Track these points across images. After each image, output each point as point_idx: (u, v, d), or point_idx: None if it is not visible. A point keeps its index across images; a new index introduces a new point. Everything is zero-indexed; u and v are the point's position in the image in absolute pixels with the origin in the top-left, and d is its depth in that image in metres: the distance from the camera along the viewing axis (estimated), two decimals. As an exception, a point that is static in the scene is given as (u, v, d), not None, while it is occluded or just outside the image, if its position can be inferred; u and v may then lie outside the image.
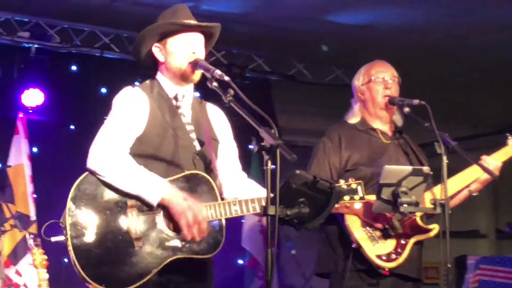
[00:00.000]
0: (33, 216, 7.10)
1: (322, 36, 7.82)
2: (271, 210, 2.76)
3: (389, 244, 4.08)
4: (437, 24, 7.39)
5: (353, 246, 4.02)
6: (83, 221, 2.99)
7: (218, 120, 3.49)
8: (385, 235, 4.06)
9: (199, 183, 3.15)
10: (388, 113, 4.36)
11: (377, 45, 7.43)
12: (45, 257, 5.57)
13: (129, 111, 3.17)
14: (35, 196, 7.26)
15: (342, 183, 3.45)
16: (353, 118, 4.42)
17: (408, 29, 7.50)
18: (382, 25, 7.49)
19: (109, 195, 3.04)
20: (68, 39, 7.78)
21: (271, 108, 8.46)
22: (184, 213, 2.99)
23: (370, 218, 4.03)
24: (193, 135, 3.30)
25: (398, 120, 4.42)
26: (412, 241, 4.10)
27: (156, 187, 3.02)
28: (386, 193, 3.80)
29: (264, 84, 8.83)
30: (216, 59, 8.12)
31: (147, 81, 3.37)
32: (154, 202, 3.02)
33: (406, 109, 4.15)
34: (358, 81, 4.42)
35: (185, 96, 3.37)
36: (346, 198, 3.42)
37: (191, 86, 3.42)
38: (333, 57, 8.41)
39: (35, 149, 7.64)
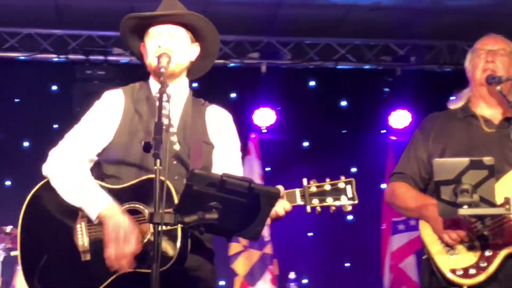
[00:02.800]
0: (267, 236, 7.05)
1: None
2: (157, 218, 2.43)
3: (470, 257, 3.39)
4: None
5: (423, 257, 3.51)
6: (34, 231, 2.89)
7: (217, 124, 3.18)
8: (469, 246, 3.38)
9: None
10: (492, 93, 3.65)
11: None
12: None
13: (96, 119, 3.03)
14: (269, 216, 7.20)
15: (312, 182, 2.82)
16: (457, 103, 3.79)
17: None
18: None
19: (63, 203, 2.90)
20: (299, 55, 7.69)
21: None
22: (110, 243, 2.74)
23: (444, 226, 3.38)
24: (174, 138, 3.02)
25: None
26: (503, 253, 3.35)
27: (97, 201, 2.82)
28: (446, 193, 3.09)
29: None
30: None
31: (138, 82, 3.15)
32: (93, 216, 2.82)
33: (498, 87, 3.53)
34: (467, 59, 3.79)
35: (171, 96, 3.00)
36: (329, 200, 2.77)
37: (181, 84, 3.14)
38: None
39: (268, 168, 7.61)
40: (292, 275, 6.63)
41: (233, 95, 8.04)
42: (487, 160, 3.09)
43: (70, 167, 2.94)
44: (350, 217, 7.72)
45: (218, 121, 3.18)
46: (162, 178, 2.73)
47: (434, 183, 3.12)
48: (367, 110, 7.79)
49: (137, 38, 3.14)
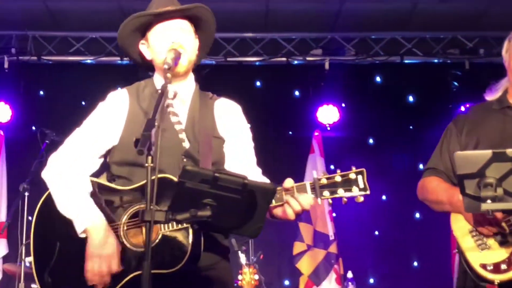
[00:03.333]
0: (331, 235, 6.96)
1: None
2: (148, 216, 2.37)
3: (502, 252, 3.27)
4: None
5: (453, 251, 3.29)
6: (45, 235, 2.91)
7: (226, 117, 3.08)
8: (501, 241, 3.27)
9: (166, 188, 2.72)
10: None
11: None
12: (256, 277, 5.39)
13: (98, 121, 2.98)
14: (334, 215, 7.12)
15: (322, 175, 2.72)
16: (494, 95, 3.63)
17: None
18: None
19: None
20: (364, 50, 7.57)
21: None
22: (92, 258, 2.75)
23: (474, 220, 3.30)
24: (182, 135, 2.96)
25: None
26: None
27: (85, 216, 2.80)
28: (470, 187, 2.92)
29: None
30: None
31: (143, 81, 3.07)
32: (78, 230, 2.83)
33: None
34: (503, 48, 3.60)
35: (178, 93, 2.99)
36: (340, 192, 2.67)
37: (187, 81, 3.06)
38: None
39: (332, 166, 7.51)
40: (349, 274, 6.53)
41: (296, 93, 7.98)
42: (510, 151, 2.91)
43: (65, 177, 2.92)
44: (417, 215, 7.54)
45: (227, 114, 3.09)
46: (173, 177, 2.74)
47: (457, 176, 2.98)
48: (435, 105, 7.58)
49: (137, 36, 3.07)
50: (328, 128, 7.53)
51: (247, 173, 2.75)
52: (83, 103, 7.61)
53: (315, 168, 7.16)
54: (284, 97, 7.81)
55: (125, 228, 2.83)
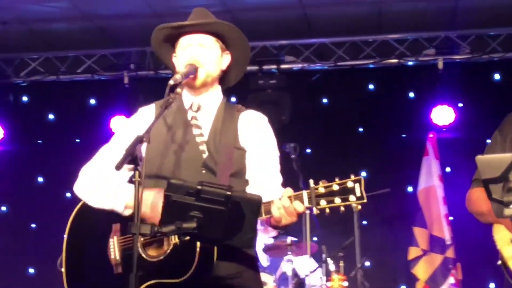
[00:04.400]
0: (448, 240, 6.77)
1: None
2: (134, 229, 2.46)
3: None
4: None
5: (498, 263, 3.33)
6: (76, 244, 3.03)
7: (249, 128, 3.09)
8: None
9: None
10: None
11: None
12: (345, 284, 5.39)
13: (125, 136, 3.03)
14: (451, 218, 6.92)
15: (321, 183, 2.67)
16: None
17: None
18: None
19: (100, 218, 3.00)
20: (480, 48, 7.35)
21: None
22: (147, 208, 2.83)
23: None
24: (203, 147, 3.01)
25: None
26: None
27: (122, 194, 2.92)
28: (496, 192, 2.77)
29: None
30: None
31: (172, 94, 3.01)
32: (120, 210, 2.93)
33: None
34: None
35: (202, 106, 3.07)
36: (337, 200, 2.62)
37: (213, 93, 3.12)
38: None
39: (448, 169, 7.31)
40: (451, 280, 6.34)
41: (411, 94, 7.83)
42: None
43: (97, 178, 3.03)
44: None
45: (251, 125, 3.11)
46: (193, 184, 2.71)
47: (483, 182, 2.85)
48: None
49: (170, 48, 3.15)
50: (444, 130, 7.33)
51: (266, 183, 2.89)
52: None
53: (430, 171, 7.01)
54: (398, 99, 7.70)
55: (143, 239, 2.90)
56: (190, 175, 2.89)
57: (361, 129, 7.72)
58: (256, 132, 3.10)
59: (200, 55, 3.03)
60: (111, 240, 2.98)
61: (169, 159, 2.99)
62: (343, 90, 7.69)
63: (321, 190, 2.66)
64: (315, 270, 6.00)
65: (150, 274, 2.84)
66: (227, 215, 2.54)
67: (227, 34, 3.11)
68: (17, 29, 7.41)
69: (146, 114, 3.13)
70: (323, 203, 2.65)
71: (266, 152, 3.09)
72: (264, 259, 6.47)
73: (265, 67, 7.51)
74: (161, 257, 2.83)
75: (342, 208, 2.66)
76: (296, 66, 7.56)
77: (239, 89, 7.51)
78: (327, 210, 2.67)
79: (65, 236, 3.12)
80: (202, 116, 3.09)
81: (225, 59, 3.14)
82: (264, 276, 5.83)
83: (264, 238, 6.44)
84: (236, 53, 3.16)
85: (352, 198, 2.64)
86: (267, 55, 7.56)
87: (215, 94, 3.14)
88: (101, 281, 2.97)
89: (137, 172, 2.52)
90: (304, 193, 2.68)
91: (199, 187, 2.52)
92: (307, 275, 6.01)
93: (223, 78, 3.19)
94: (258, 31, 7.41)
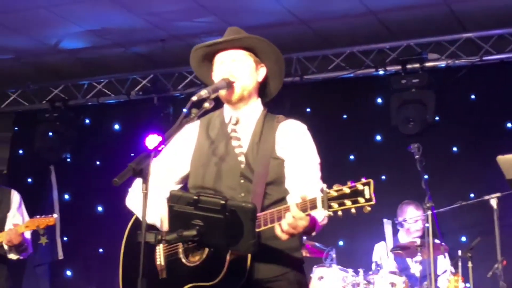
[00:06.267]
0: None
1: None
2: (140, 237, 2.65)
3: None
4: None
5: None
6: (130, 252, 3.23)
7: (287, 137, 3.18)
8: None
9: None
10: None
11: None
12: (462, 285, 5.32)
13: (172, 152, 3.25)
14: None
15: (335, 187, 2.74)
16: None
17: None
18: None
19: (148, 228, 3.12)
20: None
21: None
22: None
23: None
24: (241, 158, 3.15)
25: None
26: None
27: (156, 210, 3.07)
28: None
29: None
30: None
31: (218, 110, 3.28)
32: (158, 225, 3.11)
33: None
34: None
35: (241, 119, 3.22)
36: (348, 203, 2.71)
37: (252, 106, 3.24)
38: None
39: None
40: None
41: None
42: None
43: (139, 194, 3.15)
44: None
45: (288, 135, 3.18)
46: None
47: (508, 181, 2.78)
48: None
49: (209, 67, 3.26)
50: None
51: (305, 190, 2.92)
52: (344, 116, 7.98)
53: None
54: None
55: (186, 245, 3.05)
56: (231, 185, 3.11)
57: (509, 125, 7.39)
58: (294, 141, 3.18)
59: (234, 69, 3.17)
60: (157, 247, 3.21)
61: (211, 171, 3.17)
62: (491, 86, 7.42)
63: (333, 193, 2.76)
64: (445, 271, 5.92)
65: (188, 278, 3.07)
66: (225, 222, 2.76)
67: (258, 47, 3.24)
68: (175, 44, 7.91)
69: (189, 130, 3.28)
70: (335, 205, 2.75)
71: (304, 160, 3.16)
72: (390, 261, 6.42)
73: (408, 66, 7.46)
74: (198, 263, 3.05)
75: (353, 210, 2.76)
76: (441, 63, 7.44)
77: (382, 90, 7.60)
78: (340, 213, 2.77)
79: (122, 244, 3.39)
80: (242, 129, 3.23)
81: (261, 72, 3.26)
82: (393, 278, 5.87)
83: (406, 239, 6.42)
84: (271, 65, 3.27)
85: (361, 200, 2.73)
86: (410, 54, 7.51)
87: (255, 107, 3.27)
88: (149, 285, 3.10)
89: (144, 185, 2.69)
90: (318, 197, 2.78)
91: (195, 197, 2.78)
92: (438, 275, 5.94)
93: (263, 91, 3.31)
94: (401, 30, 7.42)
